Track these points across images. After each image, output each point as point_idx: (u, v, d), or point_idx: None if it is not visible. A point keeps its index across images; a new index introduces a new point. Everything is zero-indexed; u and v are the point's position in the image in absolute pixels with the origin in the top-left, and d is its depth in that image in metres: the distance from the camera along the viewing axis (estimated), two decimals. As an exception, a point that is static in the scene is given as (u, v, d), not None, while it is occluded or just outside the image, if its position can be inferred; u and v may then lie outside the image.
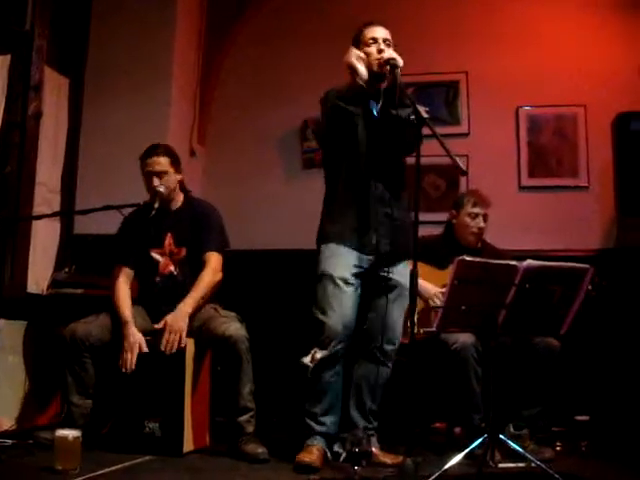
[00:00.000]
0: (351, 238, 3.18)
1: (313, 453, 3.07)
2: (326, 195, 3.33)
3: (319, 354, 3.11)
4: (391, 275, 3.19)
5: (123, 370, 3.30)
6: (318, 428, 3.16)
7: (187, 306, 3.39)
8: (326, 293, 3.15)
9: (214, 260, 3.53)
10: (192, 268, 3.52)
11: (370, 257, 3.19)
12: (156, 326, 3.36)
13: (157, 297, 3.56)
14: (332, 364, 3.15)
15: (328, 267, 3.16)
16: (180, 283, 3.52)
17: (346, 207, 3.20)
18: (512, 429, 3.44)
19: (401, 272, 3.21)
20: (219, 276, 3.55)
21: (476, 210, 3.75)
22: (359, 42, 3.25)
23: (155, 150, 3.58)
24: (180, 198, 3.66)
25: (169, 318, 3.34)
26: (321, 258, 3.21)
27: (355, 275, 3.17)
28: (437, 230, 3.96)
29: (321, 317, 3.14)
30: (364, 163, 3.21)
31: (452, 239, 3.82)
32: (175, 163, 3.59)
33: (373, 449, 3.18)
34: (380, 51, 3.15)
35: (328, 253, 3.19)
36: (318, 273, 3.20)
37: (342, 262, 3.16)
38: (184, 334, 3.31)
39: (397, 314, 3.23)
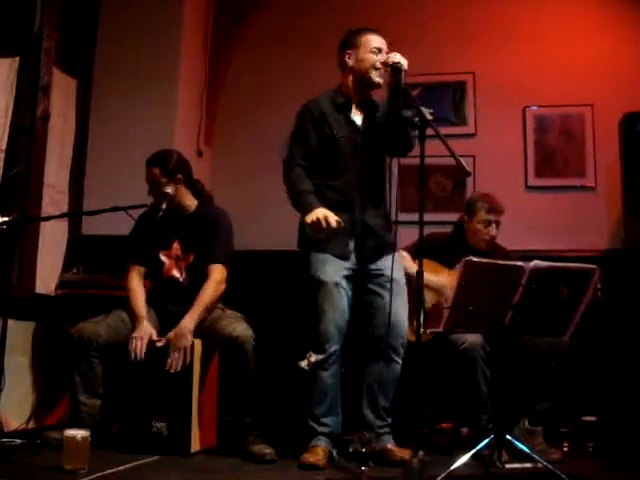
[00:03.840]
0: (334, 246, 3.19)
1: (318, 453, 3.10)
2: None
3: (314, 357, 3.16)
4: (383, 272, 3.21)
5: (132, 356, 3.32)
6: (321, 429, 3.19)
7: (189, 323, 3.38)
8: (318, 297, 3.18)
9: (218, 272, 3.52)
10: (200, 274, 3.52)
11: (355, 262, 3.22)
12: (158, 344, 3.36)
13: (162, 297, 3.58)
14: (329, 366, 3.18)
15: (318, 271, 3.19)
16: (184, 288, 3.53)
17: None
18: (527, 424, 3.44)
19: (389, 267, 3.20)
20: (221, 288, 3.53)
21: (490, 218, 3.71)
22: (356, 45, 3.25)
23: (149, 159, 3.59)
24: (192, 203, 3.65)
25: (172, 335, 3.35)
26: (310, 262, 3.23)
27: (345, 277, 3.20)
28: (443, 230, 3.96)
29: (314, 321, 3.17)
30: (347, 172, 3.23)
31: (462, 240, 3.80)
32: (169, 173, 3.54)
33: (389, 445, 3.22)
34: (385, 63, 3.16)
35: (316, 257, 3.21)
36: (309, 276, 3.22)
37: (331, 266, 3.18)
38: (188, 352, 3.32)
39: (400, 310, 3.24)
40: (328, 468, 3.07)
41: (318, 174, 3.27)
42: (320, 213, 3.06)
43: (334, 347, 3.16)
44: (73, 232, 4.54)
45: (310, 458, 3.06)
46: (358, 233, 3.23)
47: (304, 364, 3.15)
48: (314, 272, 3.20)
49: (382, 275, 3.22)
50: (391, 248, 3.27)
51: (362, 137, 3.26)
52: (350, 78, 3.29)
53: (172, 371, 3.29)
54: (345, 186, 3.24)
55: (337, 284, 3.17)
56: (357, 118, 3.29)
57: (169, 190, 3.53)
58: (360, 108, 3.31)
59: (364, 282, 3.26)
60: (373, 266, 3.25)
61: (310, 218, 3.07)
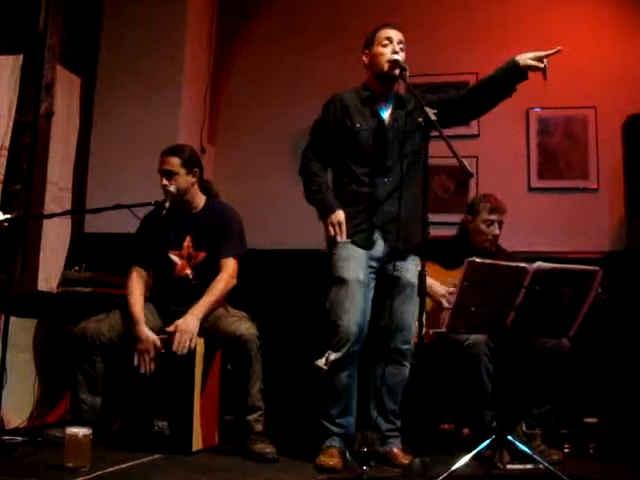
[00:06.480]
0: (361, 237, 3.19)
1: (335, 456, 3.07)
2: (334, 192, 3.32)
3: (333, 356, 3.10)
4: (401, 274, 3.20)
5: (142, 371, 3.32)
6: (336, 430, 3.16)
7: (198, 311, 3.40)
8: (340, 296, 3.14)
9: (230, 266, 3.53)
10: (209, 273, 3.52)
11: (380, 255, 3.21)
12: (167, 330, 3.37)
13: (169, 298, 3.57)
14: (347, 365, 3.14)
15: (342, 270, 3.16)
16: (194, 287, 3.53)
17: (354, 205, 3.21)
18: (524, 428, 3.44)
19: (410, 270, 3.22)
20: (233, 282, 3.54)
21: (492, 217, 3.70)
22: (372, 42, 3.27)
23: (169, 149, 3.60)
24: (201, 200, 3.65)
25: (180, 321, 3.35)
26: (334, 260, 3.20)
27: (369, 275, 3.19)
28: (446, 231, 3.96)
29: (335, 320, 3.13)
30: (372, 164, 3.23)
31: (466, 242, 3.79)
32: (188, 165, 3.56)
33: (395, 449, 3.21)
34: (394, 52, 3.18)
35: (341, 254, 3.18)
36: (332, 275, 3.19)
37: (356, 264, 3.16)
38: (195, 336, 3.33)
39: (410, 314, 3.22)
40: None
41: (341, 166, 3.28)
42: (335, 219, 3.13)
43: (355, 347, 3.12)
44: (76, 230, 4.54)
45: (329, 461, 3.02)
46: (386, 223, 3.20)
47: (322, 362, 3.09)
48: (337, 270, 3.17)
49: (399, 277, 3.21)
50: (418, 242, 3.19)
51: (388, 130, 3.25)
52: (371, 75, 3.31)
53: (179, 353, 3.28)
54: (371, 178, 3.22)
55: (360, 282, 3.14)
56: (383, 112, 3.29)
57: (172, 189, 3.52)
58: (386, 103, 3.31)
59: (380, 283, 3.24)
60: (393, 267, 3.21)
61: (330, 221, 3.14)
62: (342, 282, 3.15)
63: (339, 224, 3.13)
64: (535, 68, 3.09)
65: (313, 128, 3.37)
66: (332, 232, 3.14)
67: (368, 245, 3.19)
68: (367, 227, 3.19)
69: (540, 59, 3.07)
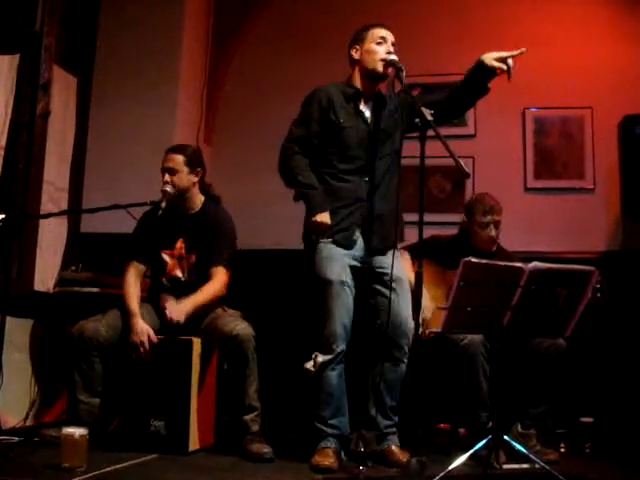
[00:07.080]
0: (342, 236, 3.19)
1: (330, 456, 3.07)
2: None
3: (321, 358, 3.11)
4: (387, 271, 3.20)
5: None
6: (330, 431, 3.16)
7: (187, 303, 3.42)
8: (324, 297, 3.15)
9: (220, 276, 3.53)
10: (202, 274, 3.53)
11: (361, 254, 3.22)
12: (161, 306, 3.44)
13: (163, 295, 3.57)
14: (335, 366, 3.15)
15: (325, 271, 3.16)
16: (185, 285, 3.54)
17: (335, 202, 3.21)
18: (520, 428, 3.45)
19: (395, 265, 3.21)
20: (223, 293, 3.56)
21: (486, 219, 3.68)
22: (364, 39, 3.28)
23: (173, 147, 3.63)
24: (199, 202, 3.66)
25: (168, 304, 3.43)
26: (316, 259, 3.20)
27: (352, 273, 3.19)
28: (444, 231, 3.96)
29: (321, 322, 3.14)
30: (354, 162, 3.24)
31: (467, 242, 3.78)
32: (191, 164, 3.57)
33: (392, 447, 3.21)
34: (389, 52, 3.19)
35: (322, 254, 3.19)
36: (314, 276, 3.20)
37: (337, 264, 3.17)
38: (184, 315, 3.37)
39: (405, 309, 3.22)
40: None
41: (322, 161, 3.28)
42: (320, 219, 3.13)
43: (341, 347, 3.14)
44: (73, 230, 4.54)
45: (325, 461, 3.02)
46: (366, 222, 3.21)
47: (310, 365, 3.10)
48: (320, 271, 3.17)
49: (386, 274, 3.21)
50: (396, 241, 3.24)
51: (370, 129, 3.26)
52: (358, 72, 3.31)
53: (173, 321, 3.34)
54: (352, 175, 3.23)
55: (343, 282, 3.15)
56: (366, 110, 3.30)
57: (169, 189, 3.53)
58: (369, 101, 3.32)
59: (368, 281, 3.25)
60: (377, 263, 3.23)
61: (316, 219, 3.14)
62: (325, 283, 3.16)
63: (322, 225, 3.14)
64: (500, 69, 3.09)
65: (294, 123, 3.36)
66: (313, 231, 3.15)
67: (349, 244, 3.20)
68: (348, 226, 3.21)
69: (504, 60, 3.06)
